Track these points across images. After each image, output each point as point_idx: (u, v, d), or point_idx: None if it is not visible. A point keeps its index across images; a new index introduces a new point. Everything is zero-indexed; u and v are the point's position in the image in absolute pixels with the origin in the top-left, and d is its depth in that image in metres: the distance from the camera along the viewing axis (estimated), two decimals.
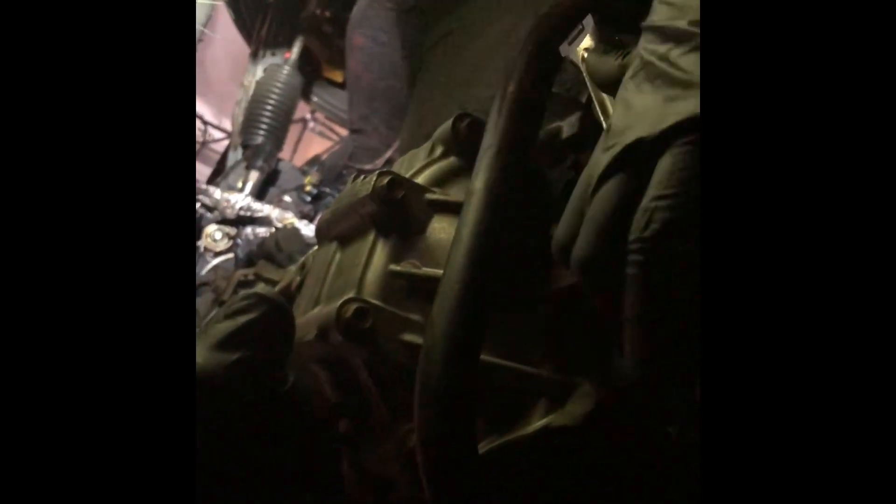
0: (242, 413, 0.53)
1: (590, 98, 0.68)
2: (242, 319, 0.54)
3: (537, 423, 0.56)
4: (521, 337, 0.59)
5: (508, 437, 0.56)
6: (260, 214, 2.05)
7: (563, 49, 0.56)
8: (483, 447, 0.55)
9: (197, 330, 0.54)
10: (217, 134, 4.37)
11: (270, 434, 0.55)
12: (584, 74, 0.54)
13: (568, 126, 0.67)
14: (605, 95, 0.52)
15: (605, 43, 0.50)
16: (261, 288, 0.57)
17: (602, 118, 0.52)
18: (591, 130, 0.66)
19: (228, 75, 3.94)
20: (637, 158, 0.43)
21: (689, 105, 0.40)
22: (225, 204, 2.04)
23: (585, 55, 0.54)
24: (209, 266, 1.92)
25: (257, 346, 0.54)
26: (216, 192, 2.06)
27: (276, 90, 2.33)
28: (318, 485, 0.58)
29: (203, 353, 0.52)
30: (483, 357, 0.53)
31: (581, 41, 0.55)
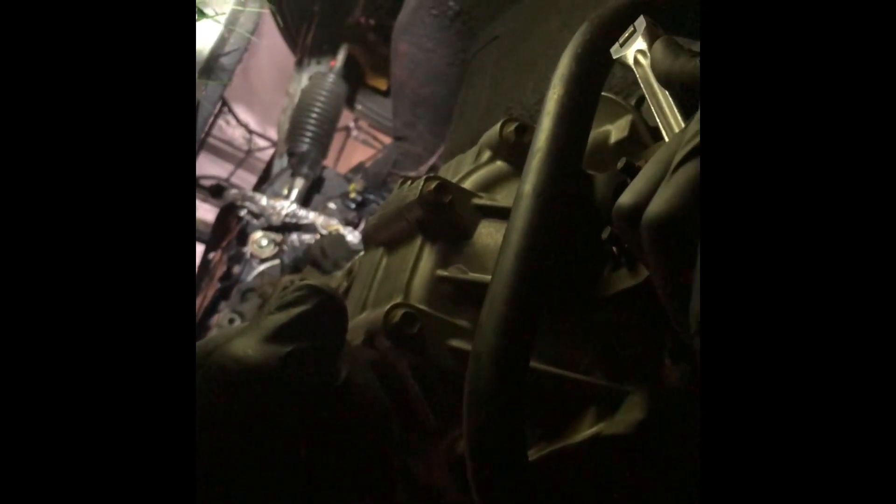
0: (295, 407, 0.52)
1: (639, 101, 0.67)
2: (295, 311, 0.53)
3: (587, 432, 0.55)
4: (570, 343, 0.58)
5: (558, 445, 0.55)
6: (305, 221, 2.07)
7: (613, 51, 0.55)
8: (532, 455, 0.54)
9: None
10: (262, 142, 4.43)
11: (324, 429, 0.54)
12: (639, 75, 0.53)
13: (616, 130, 0.66)
14: (662, 97, 0.51)
15: (674, 42, 0.49)
16: (313, 280, 0.57)
17: (659, 119, 0.51)
18: (640, 134, 0.65)
19: (274, 84, 4.00)
20: None
21: None
22: (271, 211, 2.06)
23: (640, 57, 0.53)
24: (256, 272, 1.94)
25: (310, 338, 0.53)
26: (262, 199, 2.09)
27: (322, 98, 2.35)
28: (371, 486, 0.57)
29: (255, 346, 0.51)
30: (532, 363, 0.52)
31: (632, 43, 0.54)
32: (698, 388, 0.54)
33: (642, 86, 0.53)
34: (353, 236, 2.00)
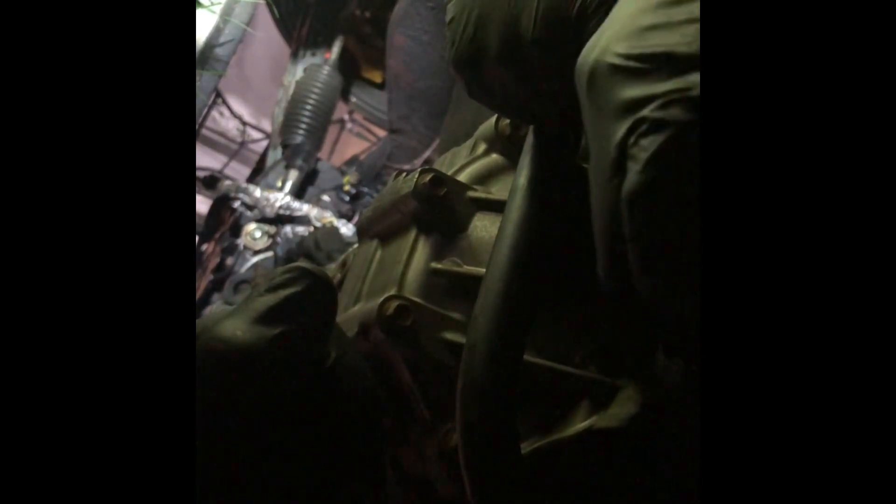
0: (284, 388, 0.52)
1: None
2: (285, 293, 0.53)
3: (580, 425, 0.55)
4: (564, 337, 0.58)
5: (551, 438, 0.55)
6: (299, 213, 2.07)
7: None
8: (525, 448, 0.54)
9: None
10: (256, 134, 4.41)
11: (313, 411, 0.54)
12: None
13: None
14: None
15: None
16: (303, 262, 0.57)
17: None
18: None
19: (268, 75, 3.98)
20: None
21: None
22: (264, 203, 2.06)
23: None
24: (249, 264, 1.94)
25: (300, 320, 0.53)
26: (256, 191, 2.08)
27: (316, 90, 2.35)
28: (360, 472, 0.57)
29: (244, 327, 0.51)
30: (525, 357, 0.52)
31: None
32: (692, 383, 0.54)
33: None
34: (346, 229, 1.99)
